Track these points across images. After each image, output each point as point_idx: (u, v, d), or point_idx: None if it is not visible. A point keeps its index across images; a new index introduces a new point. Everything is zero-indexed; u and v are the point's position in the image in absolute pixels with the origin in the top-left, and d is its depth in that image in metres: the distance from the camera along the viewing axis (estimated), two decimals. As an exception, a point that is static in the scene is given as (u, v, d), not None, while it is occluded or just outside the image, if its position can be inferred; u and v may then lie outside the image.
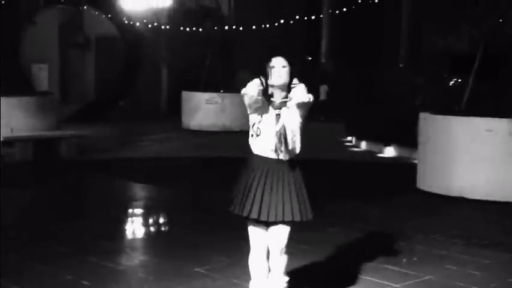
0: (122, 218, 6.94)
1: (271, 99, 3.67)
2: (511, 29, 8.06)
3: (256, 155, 3.72)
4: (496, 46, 8.46)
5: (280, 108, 3.66)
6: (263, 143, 3.69)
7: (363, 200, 7.77)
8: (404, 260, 5.25)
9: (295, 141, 3.67)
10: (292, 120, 3.65)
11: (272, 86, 3.66)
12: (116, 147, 12.75)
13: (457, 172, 7.83)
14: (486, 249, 5.66)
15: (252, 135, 3.74)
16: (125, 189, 8.69)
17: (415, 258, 5.32)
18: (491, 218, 6.99)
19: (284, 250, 3.73)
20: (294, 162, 3.70)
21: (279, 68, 3.67)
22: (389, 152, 12.01)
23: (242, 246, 5.50)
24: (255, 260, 3.82)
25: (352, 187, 8.90)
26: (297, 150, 3.70)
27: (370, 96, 22.44)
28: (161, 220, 7.07)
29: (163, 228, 6.74)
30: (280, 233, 3.70)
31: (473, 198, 7.66)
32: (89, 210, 7.43)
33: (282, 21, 17.62)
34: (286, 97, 3.68)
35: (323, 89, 17.35)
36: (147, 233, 6.37)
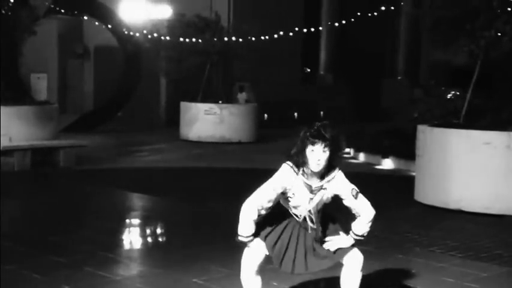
0: (119, 228, 6.93)
1: (307, 182, 3.58)
2: (509, 43, 8.10)
3: (289, 212, 3.70)
4: (494, 60, 8.50)
5: (315, 193, 3.61)
6: (294, 212, 3.67)
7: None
8: (402, 272, 5.24)
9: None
10: (324, 200, 3.68)
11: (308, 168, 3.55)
12: (114, 157, 12.76)
13: (455, 185, 7.83)
14: (484, 262, 5.66)
15: (284, 200, 3.68)
16: (123, 199, 8.68)
17: (413, 271, 5.32)
18: (489, 231, 7.00)
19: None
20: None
21: (318, 154, 3.49)
22: (388, 164, 12.02)
23: (240, 257, 5.50)
24: (247, 277, 3.81)
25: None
26: (371, 215, 3.85)
27: (369, 108, 22.52)
28: (159, 230, 7.07)
29: (161, 239, 6.73)
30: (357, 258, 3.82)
31: (471, 211, 7.67)
32: (86, 220, 7.42)
33: (281, 33, 17.67)
34: (321, 187, 3.61)
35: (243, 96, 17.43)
36: (145, 244, 6.36)
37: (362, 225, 3.66)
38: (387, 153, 12.06)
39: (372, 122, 19.58)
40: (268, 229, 3.70)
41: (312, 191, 3.60)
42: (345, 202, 3.73)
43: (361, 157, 12.93)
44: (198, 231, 6.71)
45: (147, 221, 7.34)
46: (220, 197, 8.50)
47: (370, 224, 3.67)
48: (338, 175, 3.64)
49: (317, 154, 3.48)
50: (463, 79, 9.12)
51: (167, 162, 12.29)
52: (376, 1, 19.48)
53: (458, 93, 13.51)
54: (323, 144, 3.48)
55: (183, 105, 16.59)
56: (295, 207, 3.66)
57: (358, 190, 3.66)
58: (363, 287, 4.83)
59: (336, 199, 3.78)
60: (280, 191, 3.57)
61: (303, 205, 3.62)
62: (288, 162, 3.58)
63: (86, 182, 9.89)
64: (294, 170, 3.54)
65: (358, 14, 17.45)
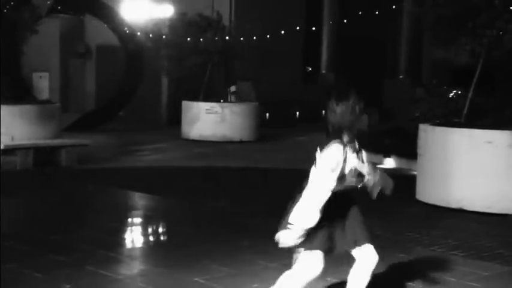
0: (120, 227, 6.93)
1: (353, 145, 3.64)
2: (510, 42, 8.08)
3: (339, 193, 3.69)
4: (496, 59, 8.49)
5: (358, 152, 3.69)
6: (344, 181, 3.69)
7: (361, 211, 7.75)
8: (404, 272, 5.24)
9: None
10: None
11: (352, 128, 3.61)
12: (115, 156, 12.76)
13: (456, 184, 7.83)
14: (486, 261, 5.66)
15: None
16: (125, 199, 8.69)
17: (415, 270, 5.32)
18: (491, 230, 6.99)
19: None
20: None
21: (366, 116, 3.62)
22: (389, 163, 12.02)
23: (241, 256, 5.51)
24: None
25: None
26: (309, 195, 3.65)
27: (371, 107, 22.50)
28: (160, 230, 7.07)
29: (162, 238, 6.73)
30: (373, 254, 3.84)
31: (473, 210, 7.66)
32: (88, 219, 7.42)
33: (282, 32, 17.67)
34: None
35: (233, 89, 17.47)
36: (146, 243, 6.37)
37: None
38: (389, 152, 12.04)
39: (373, 120, 19.53)
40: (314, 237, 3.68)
41: (356, 150, 3.66)
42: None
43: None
44: (199, 230, 6.72)
45: (148, 220, 7.34)
46: (221, 196, 8.50)
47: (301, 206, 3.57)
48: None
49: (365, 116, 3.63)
50: (465, 78, 9.10)
51: (168, 162, 12.29)
52: (378, 0, 19.47)
53: (460, 92, 13.49)
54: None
55: (185, 104, 16.59)
56: (348, 179, 3.66)
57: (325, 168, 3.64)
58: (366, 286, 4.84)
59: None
60: (339, 166, 3.55)
61: (353, 174, 3.64)
62: (334, 140, 3.56)
63: (88, 181, 9.90)
64: (341, 143, 3.56)
65: (360, 13, 17.43)
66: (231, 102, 16.53)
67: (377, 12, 17.23)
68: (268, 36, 17.23)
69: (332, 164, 3.53)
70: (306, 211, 3.52)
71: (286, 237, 3.53)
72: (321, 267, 3.76)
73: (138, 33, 17.67)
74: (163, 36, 17.11)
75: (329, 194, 3.52)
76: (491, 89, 9.19)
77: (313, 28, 19.36)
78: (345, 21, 19.54)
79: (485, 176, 7.65)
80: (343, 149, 3.56)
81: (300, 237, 3.53)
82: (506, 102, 8.62)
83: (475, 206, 7.67)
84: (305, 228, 3.53)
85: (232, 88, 16.95)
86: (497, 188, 7.60)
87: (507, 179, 7.56)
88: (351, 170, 3.64)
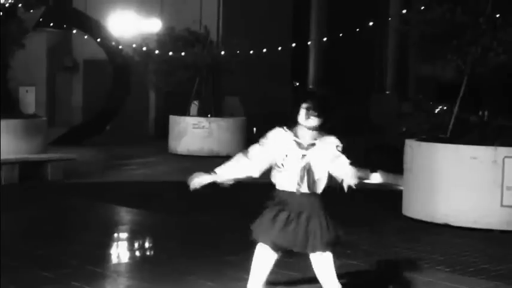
0: (107, 243, 6.91)
1: (298, 140, 3.69)
2: (495, 59, 8.18)
3: (281, 190, 3.77)
4: (481, 75, 8.58)
5: (307, 149, 3.69)
6: (287, 179, 3.72)
7: (348, 226, 7.76)
8: (390, 286, 5.26)
9: (318, 181, 3.75)
10: (317, 162, 3.71)
11: (302, 125, 3.69)
12: (102, 170, 12.73)
13: (442, 199, 7.88)
14: (471, 276, 5.69)
15: (276, 169, 3.74)
16: (111, 214, 8.66)
17: (400, 285, 5.34)
18: (476, 246, 7.03)
19: (335, 277, 3.80)
20: (317, 195, 3.80)
21: (312, 120, 3.67)
22: (375, 178, 12.05)
23: (226, 272, 5.51)
24: (256, 285, 3.80)
25: (337, 213, 8.90)
26: (319, 190, 3.80)
27: (357, 122, 22.60)
28: (147, 245, 7.05)
29: (149, 253, 6.71)
30: (326, 261, 3.80)
31: (458, 225, 7.71)
32: (74, 234, 7.39)
33: (270, 47, 17.76)
34: (315, 138, 3.70)
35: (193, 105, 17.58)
36: (133, 258, 6.34)
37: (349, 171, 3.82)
38: (375, 167, 12.08)
39: (360, 136, 19.65)
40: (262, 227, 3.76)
41: (303, 148, 3.66)
42: (330, 167, 3.77)
43: (350, 171, 12.96)
44: (186, 245, 6.70)
45: (135, 235, 7.32)
46: (208, 211, 8.49)
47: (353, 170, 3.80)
48: (330, 136, 3.76)
49: (311, 121, 3.66)
50: (451, 94, 9.19)
51: (156, 176, 12.27)
52: (365, 16, 19.62)
53: (445, 107, 13.60)
54: (315, 110, 3.66)
55: (172, 118, 16.60)
56: (288, 173, 3.67)
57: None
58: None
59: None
60: (270, 151, 3.64)
61: (295, 164, 3.65)
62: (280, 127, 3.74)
63: (74, 195, 9.86)
64: (284, 129, 3.70)
65: (346, 29, 17.57)
66: (192, 116, 16.58)
67: (363, 29, 17.36)
68: (255, 51, 17.31)
69: (264, 139, 3.71)
70: (226, 166, 3.73)
71: (197, 178, 3.70)
72: (270, 260, 3.79)
73: (126, 48, 17.69)
74: (151, 51, 17.14)
75: (249, 161, 3.65)
76: (476, 105, 9.28)
77: (301, 43, 19.46)
78: (332, 36, 19.66)
79: (471, 192, 7.70)
80: (283, 135, 3.68)
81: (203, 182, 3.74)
82: (490, 118, 8.70)
83: (460, 221, 7.72)
84: (215, 178, 3.76)
85: (195, 103, 17.03)
86: (482, 203, 7.66)
87: (492, 194, 7.62)
88: (294, 165, 3.66)
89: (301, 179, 3.68)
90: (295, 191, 3.71)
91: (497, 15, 8.13)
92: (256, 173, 3.71)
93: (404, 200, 8.45)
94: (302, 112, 3.67)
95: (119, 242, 7.14)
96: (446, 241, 7.24)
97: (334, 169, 3.74)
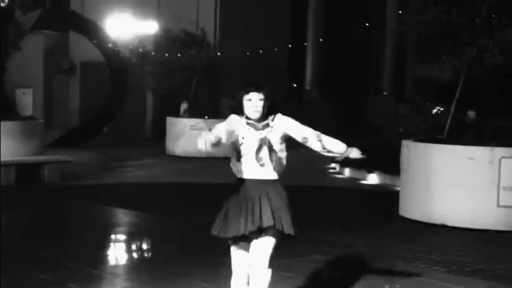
0: (104, 244, 6.91)
1: (252, 122, 3.71)
2: (491, 59, 8.20)
3: (240, 179, 3.76)
4: (477, 76, 8.60)
5: (262, 129, 3.71)
6: (246, 164, 3.72)
7: (345, 227, 7.81)
8: (386, 286, 5.27)
9: (278, 162, 3.71)
10: (274, 140, 3.71)
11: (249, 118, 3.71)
12: (99, 172, 12.72)
13: (438, 199, 7.89)
14: (467, 276, 5.70)
15: (234, 158, 3.76)
16: (108, 215, 8.65)
17: (397, 286, 5.34)
18: (473, 246, 7.04)
19: (267, 264, 3.69)
20: (278, 180, 3.73)
21: (256, 102, 3.69)
22: (373, 179, 12.08)
23: (222, 273, 5.50)
24: (236, 284, 3.82)
25: (334, 214, 8.93)
26: (279, 172, 3.73)
27: (355, 123, 22.64)
28: (144, 246, 7.05)
29: (146, 255, 6.71)
30: (264, 244, 3.67)
31: (455, 225, 7.72)
32: (71, 236, 7.38)
33: (267, 48, 17.78)
34: (267, 125, 3.71)
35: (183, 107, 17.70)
36: (130, 260, 6.34)
37: (333, 142, 3.77)
38: (372, 168, 12.12)
39: (357, 137, 19.69)
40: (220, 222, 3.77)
41: (258, 129, 3.70)
42: (296, 134, 3.76)
43: (347, 172, 12.98)
44: (182, 246, 6.71)
45: (132, 237, 7.32)
46: (205, 212, 8.47)
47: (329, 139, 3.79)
48: (280, 115, 3.77)
49: (254, 102, 3.68)
50: (448, 95, 9.21)
51: (153, 178, 12.27)
52: (362, 18, 19.65)
53: (442, 108, 13.63)
54: (259, 92, 3.68)
55: (169, 120, 16.61)
56: (246, 156, 3.70)
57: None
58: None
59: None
60: (228, 129, 3.66)
61: (252, 144, 3.68)
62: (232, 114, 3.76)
63: (71, 197, 9.85)
64: (239, 115, 3.73)
65: (344, 30, 17.59)
66: (183, 117, 16.62)
67: (360, 30, 17.39)
68: (252, 52, 17.32)
69: (221, 123, 3.70)
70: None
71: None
72: (242, 257, 3.77)
73: (123, 50, 17.69)
74: (148, 53, 17.14)
75: (212, 135, 3.59)
76: (473, 105, 9.30)
77: (298, 45, 19.49)
78: (330, 38, 19.69)
79: (467, 192, 7.72)
80: (239, 119, 3.71)
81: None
82: (487, 119, 8.73)
83: (457, 222, 7.74)
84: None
85: (184, 105, 17.06)
86: (479, 203, 7.67)
87: (488, 194, 7.64)
88: (248, 143, 3.68)
89: (259, 154, 3.68)
90: (254, 176, 3.69)
91: (493, 16, 8.15)
92: (224, 135, 3.66)
93: (401, 201, 8.46)
94: (247, 103, 3.68)
95: (116, 244, 7.13)
96: (443, 241, 7.25)
97: (302, 136, 3.76)
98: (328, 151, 3.79)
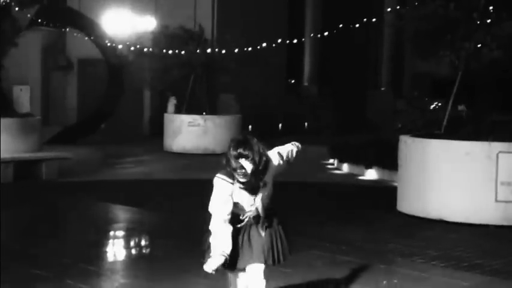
0: (102, 241, 6.90)
1: (246, 187, 3.63)
2: (489, 54, 8.19)
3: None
4: (475, 71, 8.60)
5: (256, 194, 3.67)
6: (243, 212, 3.72)
7: (343, 222, 7.81)
8: (384, 282, 5.27)
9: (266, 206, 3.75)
10: (267, 193, 3.71)
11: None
12: (97, 169, 12.70)
13: (436, 195, 7.89)
14: (465, 271, 5.70)
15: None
16: (106, 212, 8.65)
17: (395, 280, 5.35)
18: (470, 241, 7.05)
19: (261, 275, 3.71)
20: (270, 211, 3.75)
21: (244, 167, 3.55)
22: (371, 174, 12.08)
23: (221, 269, 5.49)
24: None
25: (332, 209, 8.93)
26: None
27: (353, 119, 22.63)
28: (141, 242, 7.04)
29: (143, 251, 6.71)
30: (255, 274, 3.70)
31: (453, 220, 7.72)
32: (69, 232, 7.38)
33: (264, 44, 17.75)
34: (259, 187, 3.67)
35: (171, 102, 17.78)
36: (128, 256, 6.34)
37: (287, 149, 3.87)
38: (371, 163, 12.11)
39: (356, 132, 19.69)
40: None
41: (253, 192, 3.64)
42: (281, 163, 3.80)
43: (345, 168, 12.98)
44: (181, 243, 6.69)
45: (129, 233, 7.31)
46: (203, 209, 8.47)
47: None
48: (269, 164, 3.68)
49: (242, 168, 3.56)
50: (446, 90, 9.20)
51: (151, 174, 12.26)
52: (360, 13, 19.62)
53: (440, 104, 13.62)
54: (247, 158, 3.55)
55: (167, 116, 16.59)
56: (243, 211, 3.70)
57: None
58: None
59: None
60: (230, 200, 3.63)
61: (249, 207, 3.67)
62: (219, 175, 3.66)
63: (69, 194, 9.85)
64: (227, 180, 3.62)
65: (341, 25, 17.57)
66: (170, 113, 16.65)
67: (358, 25, 17.36)
68: (250, 48, 17.29)
69: (217, 197, 3.75)
70: (218, 240, 3.69)
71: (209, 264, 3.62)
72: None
73: (120, 46, 17.65)
74: (146, 49, 17.11)
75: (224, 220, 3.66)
76: (470, 100, 9.30)
77: (296, 40, 19.46)
78: (327, 33, 19.67)
79: (465, 187, 7.72)
80: (229, 187, 3.65)
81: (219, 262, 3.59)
82: (484, 114, 8.72)
83: (455, 217, 7.74)
84: (223, 255, 3.63)
85: (172, 100, 17.07)
86: (477, 198, 7.67)
87: (486, 189, 7.64)
88: (245, 206, 3.70)
89: (254, 217, 3.70)
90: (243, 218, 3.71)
91: (491, 10, 8.14)
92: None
93: (398, 196, 8.46)
94: (236, 171, 3.56)
95: (114, 240, 7.13)
96: (441, 236, 7.25)
97: (284, 159, 3.82)
98: (291, 158, 3.87)
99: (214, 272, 3.62)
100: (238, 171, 3.54)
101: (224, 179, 3.61)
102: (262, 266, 3.69)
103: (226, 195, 3.62)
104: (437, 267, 5.81)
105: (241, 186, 3.60)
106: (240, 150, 3.53)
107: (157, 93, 19.59)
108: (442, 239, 7.13)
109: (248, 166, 3.54)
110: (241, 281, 3.79)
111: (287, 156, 3.85)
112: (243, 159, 3.53)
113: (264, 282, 3.72)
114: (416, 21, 8.59)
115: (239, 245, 3.69)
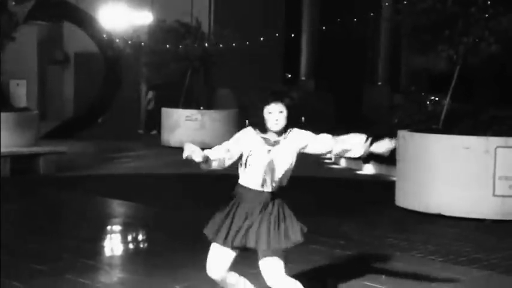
0: (100, 235, 6.90)
1: (265, 136, 3.69)
2: (487, 49, 8.19)
3: (242, 186, 3.75)
4: (473, 65, 8.60)
5: (273, 145, 3.68)
6: (250, 175, 3.71)
7: (341, 217, 7.81)
8: (383, 276, 5.27)
9: (283, 177, 3.71)
10: (283, 158, 3.68)
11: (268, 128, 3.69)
12: (95, 164, 12.69)
13: (434, 189, 7.90)
14: (464, 265, 5.72)
15: (241, 165, 3.74)
16: (104, 206, 8.64)
17: (394, 275, 5.35)
18: (469, 235, 7.06)
19: (288, 280, 3.72)
20: (277, 193, 3.72)
21: (276, 115, 3.65)
22: (369, 169, 12.09)
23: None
24: (212, 275, 3.87)
25: (331, 204, 8.94)
26: (284, 183, 3.75)
27: (350, 114, 22.64)
28: (140, 237, 7.04)
29: (141, 246, 6.71)
30: (273, 264, 3.70)
31: (451, 215, 7.74)
32: (66, 227, 7.37)
33: (261, 39, 17.73)
34: (279, 142, 3.70)
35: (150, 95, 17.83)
36: (126, 251, 6.34)
37: (355, 139, 3.77)
38: (368, 158, 12.12)
39: (352, 127, 19.71)
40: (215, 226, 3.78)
41: (269, 144, 3.68)
42: (312, 148, 3.78)
43: (343, 162, 12.99)
44: (178, 237, 6.70)
45: (128, 228, 7.31)
46: (201, 203, 8.49)
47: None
48: (294, 130, 3.75)
49: (274, 115, 3.65)
50: (443, 84, 9.21)
51: (149, 169, 12.25)
52: (357, 7, 19.60)
53: (437, 98, 13.63)
54: (279, 105, 3.65)
55: (164, 111, 16.56)
56: (252, 168, 3.68)
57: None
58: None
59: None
60: (239, 145, 3.69)
61: (261, 159, 3.65)
62: (249, 126, 3.77)
63: (67, 189, 9.83)
64: (253, 129, 3.73)
65: (339, 20, 17.56)
66: (149, 109, 16.70)
67: (356, 20, 17.35)
68: (247, 42, 17.27)
69: (233, 138, 3.77)
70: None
71: (190, 149, 3.69)
72: (226, 258, 3.80)
73: (117, 40, 17.61)
74: (143, 43, 17.07)
75: (225, 146, 3.72)
76: (468, 95, 9.31)
77: (293, 35, 19.44)
78: (324, 28, 19.65)
79: (463, 181, 7.73)
80: (250, 132, 3.72)
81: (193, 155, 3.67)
82: (482, 108, 8.73)
83: (453, 211, 7.75)
84: (204, 153, 3.69)
85: (150, 94, 17.05)
86: (475, 193, 7.68)
87: (484, 184, 7.65)
88: (256, 157, 3.67)
89: (265, 175, 3.66)
90: (256, 188, 3.68)
91: (489, 5, 8.13)
92: (228, 157, 3.70)
93: (397, 191, 8.47)
94: (267, 116, 3.66)
95: (112, 235, 7.13)
96: (439, 231, 7.27)
97: (319, 146, 3.78)
98: (347, 153, 3.81)
99: (190, 157, 3.66)
100: (270, 117, 3.63)
101: (252, 128, 3.74)
102: (282, 264, 3.70)
103: (241, 134, 3.74)
104: (435, 262, 5.82)
105: (261, 135, 3.67)
106: (274, 98, 3.65)
107: (154, 88, 19.55)
108: (440, 234, 7.14)
109: (279, 115, 3.63)
110: (224, 256, 3.76)
111: (343, 150, 3.78)
112: (274, 105, 3.64)
113: (296, 282, 3.74)
114: (414, 16, 8.58)
115: (242, 223, 3.67)
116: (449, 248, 6.35)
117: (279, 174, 3.69)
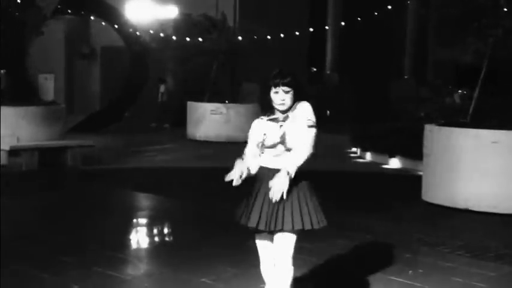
0: (127, 228, 6.96)
1: (274, 116, 3.73)
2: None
3: (262, 167, 3.76)
4: (502, 59, 8.48)
5: (284, 121, 3.71)
6: (268, 154, 3.73)
7: (367, 211, 7.78)
8: (410, 271, 5.25)
9: (302, 146, 3.66)
10: (295, 128, 3.68)
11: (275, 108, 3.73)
12: (121, 157, 12.78)
13: (462, 184, 7.82)
14: (491, 261, 5.66)
15: (260, 150, 3.77)
16: (130, 199, 8.71)
17: (421, 270, 5.32)
18: (497, 230, 6.99)
19: (289, 262, 3.71)
20: (299, 172, 3.70)
21: (282, 95, 3.68)
22: (395, 163, 12.01)
23: (247, 256, 5.52)
24: (264, 271, 3.83)
25: (357, 198, 8.90)
26: (305, 154, 3.65)
27: (375, 108, 22.50)
28: (166, 230, 7.09)
29: (168, 239, 6.75)
30: (285, 242, 3.69)
31: (479, 210, 7.66)
32: (94, 220, 7.44)
33: (287, 32, 17.69)
34: (288, 116, 3.71)
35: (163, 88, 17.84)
36: (153, 243, 6.38)
37: (291, 159, 3.65)
38: (394, 152, 12.03)
39: (378, 121, 19.59)
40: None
41: (279, 121, 3.72)
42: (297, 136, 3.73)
43: (368, 156, 12.92)
44: (205, 230, 6.73)
45: (154, 221, 7.36)
46: (227, 197, 8.49)
47: (298, 159, 3.62)
48: (303, 103, 3.73)
49: (280, 95, 3.68)
50: (470, 78, 9.09)
51: (175, 162, 12.31)
52: (383, 1, 19.44)
53: (465, 92, 13.47)
54: (284, 85, 3.67)
55: (190, 105, 16.62)
56: (269, 147, 3.73)
57: (314, 125, 3.67)
58: (373, 286, 4.85)
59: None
60: (257, 139, 3.77)
61: (275, 136, 3.70)
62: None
63: (93, 182, 9.93)
64: (260, 118, 3.80)
65: (364, 13, 17.44)
66: (162, 101, 16.75)
67: (382, 13, 17.22)
68: (273, 36, 17.24)
69: (250, 138, 3.88)
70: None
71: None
72: (266, 246, 3.79)
73: (143, 34, 17.70)
74: (168, 37, 17.13)
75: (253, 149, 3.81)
76: (497, 88, 9.17)
77: (318, 29, 19.36)
78: (350, 21, 19.53)
79: (491, 176, 7.64)
80: (259, 122, 3.80)
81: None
82: (511, 102, 8.60)
83: (481, 206, 7.67)
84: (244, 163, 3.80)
85: (161, 88, 17.10)
86: (503, 188, 7.59)
87: (513, 179, 7.55)
88: (270, 137, 3.71)
89: (277, 147, 3.69)
90: (275, 166, 3.68)
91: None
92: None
93: (423, 185, 8.40)
94: (274, 96, 3.69)
95: (139, 228, 7.18)
96: (466, 226, 7.20)
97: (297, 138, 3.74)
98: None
99: (234, 181, 3.73)
100: (276, 97, 3.67)
101: (258, 118, 3.81)
102: (293, 238, 3.68)
103: (252, 129, 3.82)
104: (463, 257, 5.77)
105: (270, 116, 3.73)
106: (279, 78, 3.68)
107: (180, 82, 19.62)
108: (467, 229, 7.08)
109: (285, 95, 3.67)
110: (268, 248, 3.77)
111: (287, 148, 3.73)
112: (280, 86, 3.67)
113: (292, 270, 3.71)
114: (441, 8, 8.48)
115: (263, 202, 3.70)
116: (477, 244, 6.28)
117: (293, 143, 3.68)
